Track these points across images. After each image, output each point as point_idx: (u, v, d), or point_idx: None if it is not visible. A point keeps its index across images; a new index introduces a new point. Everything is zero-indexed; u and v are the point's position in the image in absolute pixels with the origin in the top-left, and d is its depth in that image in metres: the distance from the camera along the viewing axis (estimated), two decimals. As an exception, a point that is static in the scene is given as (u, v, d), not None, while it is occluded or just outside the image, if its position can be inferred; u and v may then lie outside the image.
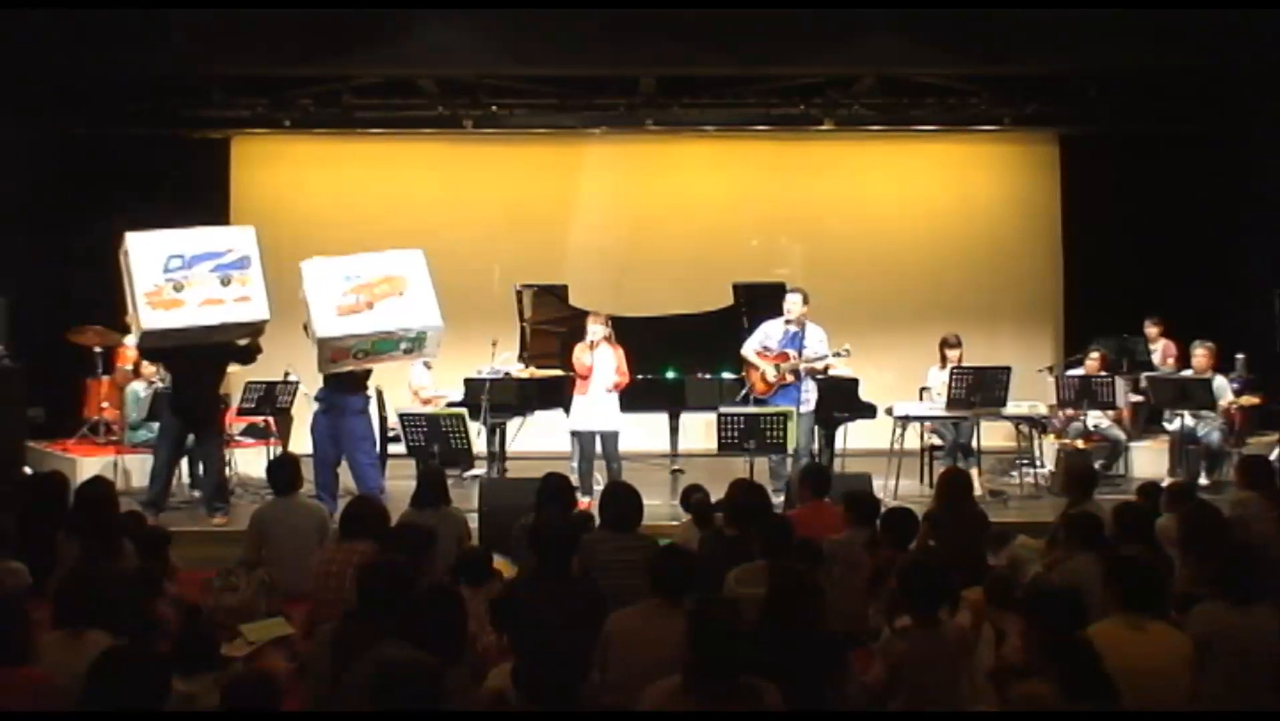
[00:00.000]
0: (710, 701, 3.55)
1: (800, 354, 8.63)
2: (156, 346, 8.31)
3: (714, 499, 6.38)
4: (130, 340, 8.73)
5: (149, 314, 7.76)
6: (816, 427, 8.98)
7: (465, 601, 4.27)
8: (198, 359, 8.21)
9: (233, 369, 10.75)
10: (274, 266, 10.49)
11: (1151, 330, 10.60)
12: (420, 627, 3.86)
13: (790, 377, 8.64)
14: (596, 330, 8.78)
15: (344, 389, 8.49)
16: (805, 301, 8.76)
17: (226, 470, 8.90)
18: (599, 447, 8.88)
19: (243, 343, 8.41)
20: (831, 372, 9.08)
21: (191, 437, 8.49)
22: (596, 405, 8.79)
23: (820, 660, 4.09)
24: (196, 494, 8.83)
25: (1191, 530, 5.37)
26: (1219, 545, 4.79)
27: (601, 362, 8.80)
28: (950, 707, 4.08)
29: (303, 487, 7.00)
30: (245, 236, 8.13)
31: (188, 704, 3.90)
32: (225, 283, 7.90)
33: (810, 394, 8.73)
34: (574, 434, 9.06)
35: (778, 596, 4.21)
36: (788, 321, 8.73)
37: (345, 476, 8.63)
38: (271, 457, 8.60)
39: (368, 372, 8.67)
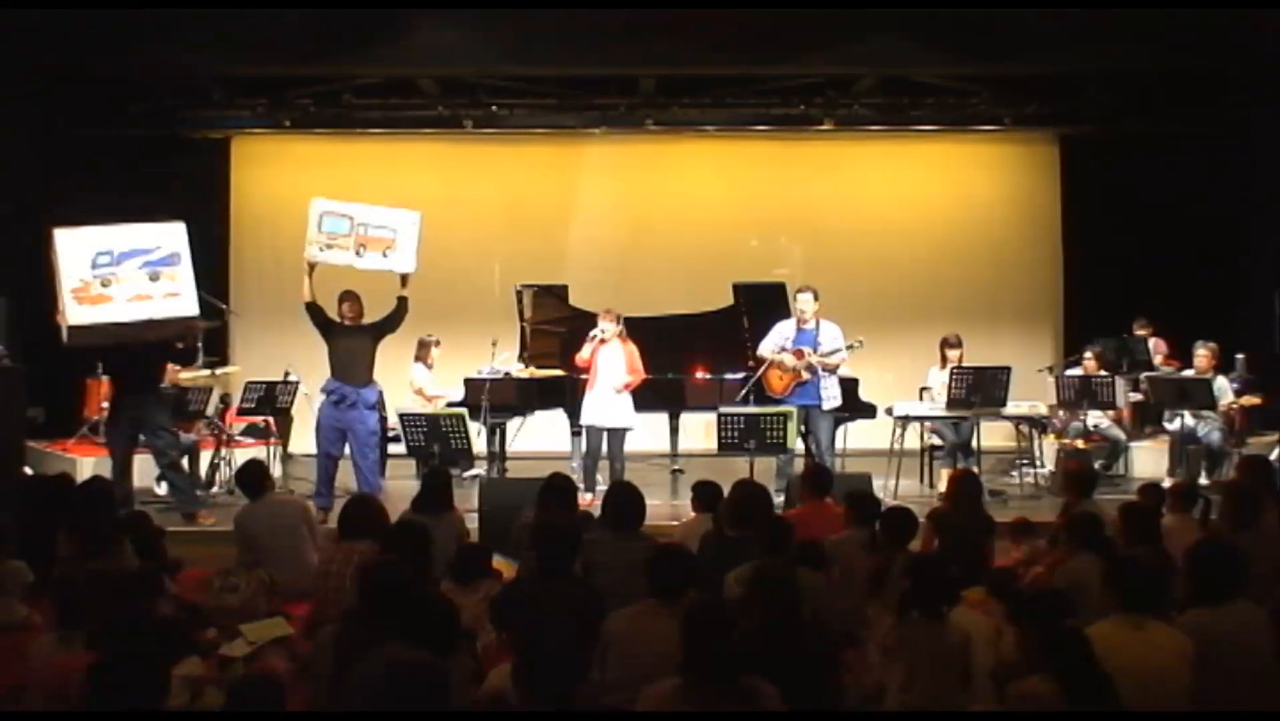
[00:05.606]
0: (708, 701, 3.55)
1: (815, 350, 8.65)
2: (84, 343, 8.22)
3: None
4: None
5: (76, 309, 7.71)
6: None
7: (455, 602, 4.28)
8: (131, 360, 8.19)
9: (233, 368, 10.84)
10: (274, 266, 10.56)
11: (1141, 330, 10.60)
12: (416, 626, 3.86)
13: (807, 375, 8.65)
14: (606, 327, 8.77)
15: (358, 380, 8.42)
16: (816, 298, 8.79)
17: (189, 466, 8.92)
18: (605, 446, 8.82)
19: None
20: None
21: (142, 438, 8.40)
22: (606, 401, 8.75)
23: (816, 658, 4.09)
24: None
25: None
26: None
27: (609, 360, 8.78)
28: (950, 706, 4.08)
29: (274, 487, 6.95)
30: (175, 233, 8.01)
31: (190, 686, 3.93)
32: (154, 279, 7.84)
33: (832, 390, 8.73)
34: (582, 429, 9.02)
35: (756, 590, 4.23)
36: (801, 321, 8.75)
37: (342, 476, 8.64)
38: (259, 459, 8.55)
39: (371, 363, 8.57)
